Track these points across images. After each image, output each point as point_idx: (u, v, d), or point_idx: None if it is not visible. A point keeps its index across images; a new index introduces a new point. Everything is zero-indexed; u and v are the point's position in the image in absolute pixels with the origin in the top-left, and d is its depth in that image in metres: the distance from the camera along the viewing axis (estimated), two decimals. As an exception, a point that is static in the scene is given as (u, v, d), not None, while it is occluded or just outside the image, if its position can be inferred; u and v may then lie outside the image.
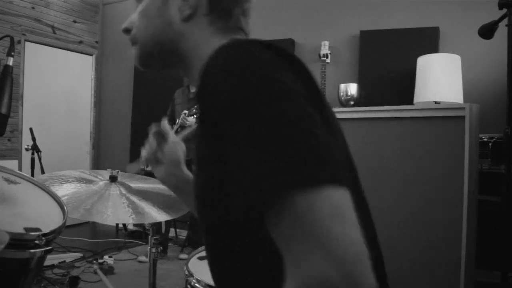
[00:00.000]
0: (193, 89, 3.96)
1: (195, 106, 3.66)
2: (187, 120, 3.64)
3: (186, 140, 4.10)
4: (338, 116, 0.69)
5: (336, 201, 0.46)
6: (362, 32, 3.66)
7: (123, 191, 1.47)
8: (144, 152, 0.97)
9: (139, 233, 4.53)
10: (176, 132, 3.86)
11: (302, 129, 0.48)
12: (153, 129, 0.97)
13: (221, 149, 0.53)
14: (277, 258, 0.49)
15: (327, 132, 0.52)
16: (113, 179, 1.52)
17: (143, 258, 3.74)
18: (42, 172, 3.26)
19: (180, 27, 0.71)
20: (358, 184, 0.65)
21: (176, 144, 0.99)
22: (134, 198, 1.45)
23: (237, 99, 0.50)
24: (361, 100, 3.38)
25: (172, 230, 4.48)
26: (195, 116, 3.67)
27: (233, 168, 0.51)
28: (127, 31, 0.78)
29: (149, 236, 1.57)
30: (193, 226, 3.89)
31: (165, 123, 0.99)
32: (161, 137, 0.98)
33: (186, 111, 3.69)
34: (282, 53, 0.57)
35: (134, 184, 1.56)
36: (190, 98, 3.96)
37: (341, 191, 0.46)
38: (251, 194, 0.48)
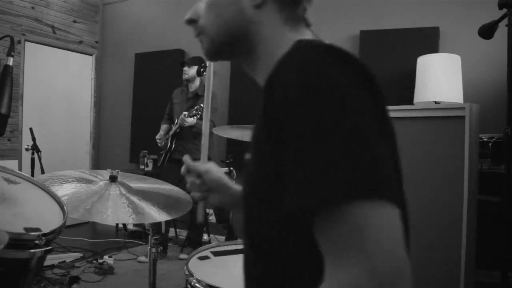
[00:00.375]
0: (192, 89, 3.93)
1: (195, 107, 3.64)
2: (186, 121, 3.62)
3: (185, 140, 4.09)
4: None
5: (390, 217, 0.48)
6: (362, 32, 3.66)
7: (123, 191, 1.47)
8: (192, 194, 1.00)
9: (139, 233, 4.53)
10: (175, 133, 3.84)
11: (368, 142, 0.50)
12: (182, 171, 1.02)
13: (281, 146, 0.54)
14: (315, 260, 0.52)
15: (386, 145, 0.53)
16: (113, 179, 1.52)
17: (143, 258, 3.74)
18: (42, 172, 3.25)
19: (252, 14, 0.70)
20: (403, 196, 0.63)
21: (213, 170, 1.00)
22: (134, 198, 1.45)
23: (309, 102, 0.51)
24: (361, 100, 3.38)
25: (172, 230, 4.48)
26: (195, 117, 3.67)
27: (293, 167, 0.51)
28: (191, 21, 0.78)
29: (149, 236, 1.57)
30: (193, 226, 3.89)
31: (187, 159, 1.03)
32: (192, 171, 1.01)
33: (185, 112, 3.66)
34: (353, 60, 0.57)
35: (134, 184, 1.56)
36: (189, 98, 3.93)
37: (395, 209, 0.48)
38: (308, 194, 0.49)
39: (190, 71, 3.89)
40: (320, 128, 0.50)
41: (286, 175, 0.53)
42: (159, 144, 3.99)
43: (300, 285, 0.58)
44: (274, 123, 0.56)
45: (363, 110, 0.52)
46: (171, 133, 3.88)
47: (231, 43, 0.73)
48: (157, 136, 3.99)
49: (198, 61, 3.94)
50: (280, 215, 0.56)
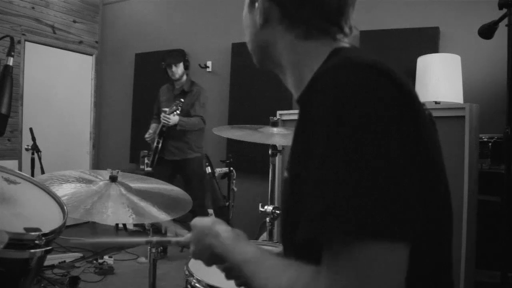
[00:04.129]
0: (178, 85, 3.81)
1: (175, 102, 3.55)
2: (169, 120, 3.50)
3: (175, 138, 4.02)
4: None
5: (394, 260, 0.48)
6: (362, 32, 3.66)
7: (123, 191, 1.47)
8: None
9: (139, 233, 4.53)
10: (161, 131, 3.67)
11: (393, 177, 0.49)
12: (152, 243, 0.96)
13: (306, 164, 0.54)
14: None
15: (418, 173, 0.52)
16: (113, 179, 1.51)
17: (142, 259, 3.72)
18: (42, 172, 3.26)
19: (262, 34, 0.73)
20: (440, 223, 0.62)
21: (199, 227, 0.85)
22: (134, 198, 1.45)
23: (341, 122, 0.51)
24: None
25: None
26: (175, 112, 3.54)
27: (311, 194, 0.51)
28: None
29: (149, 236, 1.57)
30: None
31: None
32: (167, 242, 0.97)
33: (165, 109, 3.54)
34: (394, 82, 0.55)
35: (134, 184, 1.56)
36: (175, 95, 3.80)
37: (402, 250, 0.49)
38: (317, 225, 0.50)
39: (178, 69, 3.74)
40: (346, 161, 0.49)
41: (304, 200, 0.53)
42: (148, 140, 3.86)
43: None
44: (304, 140, 0.56)
45: (396, 143, 0.50)
46: (157, 132, 3.74)
47: (261, 60, 0.78)
48: (146, 135, 3.86)
49: (181, 56, 3.79)
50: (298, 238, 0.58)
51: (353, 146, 0.49)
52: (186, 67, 3.80)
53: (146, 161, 4.73)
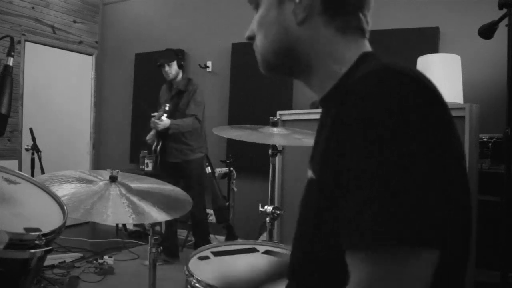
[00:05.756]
0: (175, 85, 3.70)
1: (161, 107, 3.46)
2: (158, 124, 3.44)
3: (175, 140, 3.99)
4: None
5: (423, 267, 0.49)
6: (362, 32, 3.65)
7: (123, 191, 1.47)
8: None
9: (139, 233, 4.53)
10: (160, 135, 3.59)
11: (427, 187, 0.49)
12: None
13: (339, 175, 0.54)
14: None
15: (453, 181, 0.53)
16: (113, 179, 1.52)
17: (147, 262, 3.61)
18: (42, 172, 3.26)
19: (297, 32, 0.68)
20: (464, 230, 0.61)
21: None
22: (134, 198, 1.45)
23: (379, 134, 0.50)
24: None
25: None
26: (163, 116, 3.42)
27: (352, 205, 0.51)
28: (250, 38, 0.77)
29: (149, 236, 1.57)
30: (199, 231, 3.75)
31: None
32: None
33: (154, 114, 3.47)
34: (428, 89, 0.55)
35: (134, 184, 1.56)
36: (172, 95, 3.72)
37: (432, 255, 0.49)
38: (349, 233, 0.51)
39: (172, 68, 3.64)
40: (382, 168, 0.49)
41: (344, 209, 0.53)
42: (149, 142, 3.80)
43: None
44: (339, 151, 0.55)
45: (431, 145, 0.51)
46: (154, 135, 3.68)
47: (281, 62, 0.73)
48: (147, 137, 3.79)
49: (173, 55, 3.69)
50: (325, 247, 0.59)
51: (393, 156, 0.49)
52: (179, 66, 3.70)
53: (146, 161, 4.71)
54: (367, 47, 0.71)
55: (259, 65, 0.76)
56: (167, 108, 3.49)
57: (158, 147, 3.65)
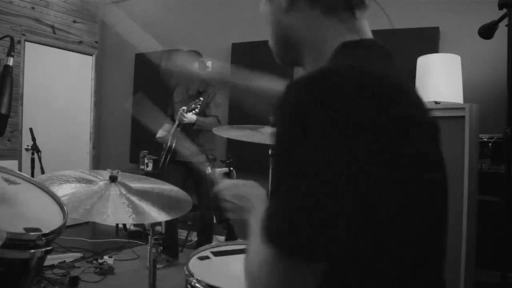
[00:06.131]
0: (194, 85, 3.69)
1: (195, 101, 3.51)
2: (185, 117, 3.45)
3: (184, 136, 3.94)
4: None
5: (305, 276, 0.52)
6: (362, 32, 3.65)
7: (123, 191, 1.47)
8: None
9: (139, 233, 4.53)
10: (175, 131, 3.73)
11: (320, 205, 0.49)
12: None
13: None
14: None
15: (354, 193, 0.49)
16: (113, 179, 1.52)
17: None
18: (42, 172, 3.26)
19: (286, 20, 0.69)
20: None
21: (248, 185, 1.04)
22: (134, 198, 1.45)
23: (288, 145, 0.52)
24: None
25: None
26: (194, 111, 3.47)
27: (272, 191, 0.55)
28: None
29: (149, 236, 1.57)
30: (204, 230, 3.73)
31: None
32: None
33: (184, 107, 3.49)
34: (372, 82, 0.53)
35: (134, 184, 1.56)
36: (190, 95, 3.74)
37: (316, 269, 0.51)
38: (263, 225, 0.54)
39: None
40: (288, 173, 0.51)
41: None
42: (160, 142, 3.79)
43: None
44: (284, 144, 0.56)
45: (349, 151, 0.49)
46: (171, 131, 3.67)
47: (285, 53, 0.74)
48: (158, 135, 3.76)
49: (196, 56, 3.70)
50: None
51: (297, 160, 0.50)
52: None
53: (146, 161, 4.72)
54: (359, 32, 0.68)
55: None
56: (199, 103, 3.45)
57: (173, 145, 3.63)
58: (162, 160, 3.77)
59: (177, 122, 3.57)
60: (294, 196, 0.50)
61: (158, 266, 3.45)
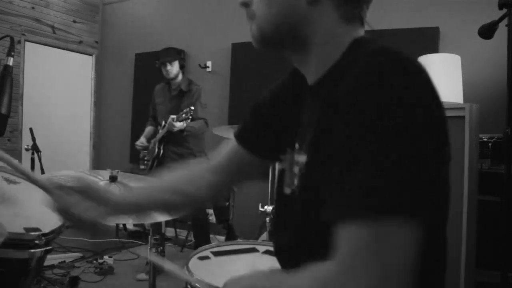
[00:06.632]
0: (174, 85, 3.62)
1: (185, 111, 3.35)
2: (175, 126, 3.32)
3: (176, 144, 3.92)
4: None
5: (408, 239, 0.51)
6: (362, 32, 3.66)
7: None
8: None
9: (139, 233, 4.53)
10: (163, 137, 3.54)
11: (421, 166, 0.51)
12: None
13: (337, 152, 0.55)
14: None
15: (442, 167, 0.58)
16: (113, 179, 1.51)
17: (143, 276, 3.32)
18: (42, 172, 3.25)
19: (305, 10, 0.67)
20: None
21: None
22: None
23: (384, 110, 0.52)
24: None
25: (171, 230, 4.48)
26: (185, 121, 3.31)
27: (343, 170, 0.53)
28: (245, 5, 0.74)
29: (149, 236, 1.57)
30: (199, 230, 3.71)
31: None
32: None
33: (173, 116, 3.36)
34: (425, 76, 0.57)
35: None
36: (172, 95, 3.64)
37: (417, 228, 0.51)
38: (343, 203, 0.53)
39: (173, 68, 3.55)
40: (380, 144, 0.51)
41: (335, 181, 0.54)
42: (138, 148, 3.75)
43: None
44: (350, 126, 0.55)
45: (431, 128, 0.54)
46: (158, 137, 3.60)
47: (280, 37, 0.70)
48: (138, 142, 3.72)
49: (176, 54, 3.65)
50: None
51: (389, 134, 0.51)
52: (181, 66, 3.64)
53: (146, 162, 4.70)
54: (360, 33, 0.73)
55: (253, 37, 0.73)
56: (191, 113, 3.34)
57: (161, 151, 3.59)
58: (149, 166, 3.70)
59: (165, 129, 3.48)
60: (401, 164, 0.51)
61: (144, 277, 3.33)
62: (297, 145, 0.74)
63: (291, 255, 0.73)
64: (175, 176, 0.98)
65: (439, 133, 0.57)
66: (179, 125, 3.34)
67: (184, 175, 0.98)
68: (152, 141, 3.71)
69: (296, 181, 0.72)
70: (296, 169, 0.73)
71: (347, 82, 0.56)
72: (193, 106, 3.44)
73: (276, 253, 0.81)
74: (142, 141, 3.75)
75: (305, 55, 0.71)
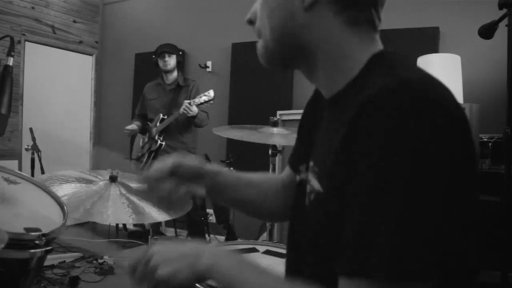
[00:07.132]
0: (169, 80, 3.64)
1: (204, 94, 3.34)
2: (191, 110, 3.30)
3: (171, 138, 3.91)
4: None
5: None
6: (362, 32, 3.65)
7: (123, 191, 1.47)
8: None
9: (139, 233, 4.53)
10: (163, 130, 3.54)
11: (439, 223, 0.48)
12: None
13: (354, 187, 0.52)
14: None
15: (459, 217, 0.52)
16: (113, 179, 1.52)
17: None
18: (42, 172, 3.26)
19: (303, 18, 0.64)
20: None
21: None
22: (134, 198, 1.45)
23: (398, 156, 0.48)
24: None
25: (172, 230, 4.48)
26: (206, 104, 3.30)
27: (358, 217, 0.50)
28: (250, 22, 0.72)
29: (149, 236, 1.57)
30: (193, 228, 3.75)
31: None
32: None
33: (189, 101, 3.34)
34: (453, 110, 0.54)
35: (134, 184, 1.56)
36: (168, 90, 3.66)
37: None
38: (361, 261, 0.49)
39: (171, 60, 3.59)
40: (394, 191, 0.48)
41: (348, 227, 0.52)
42: (126, 132, 3.73)
43: None
44: (357, 160, 0.52)
45: (447, 177, 0.50)
46: (159, 128, 3.57)
47: (282, 50, 0.68)
48: (128, 127, 3.69)
49: (176, 50, 3.68)
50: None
51: (408, 183, 0.48)
52: (178, 62, 3.68)
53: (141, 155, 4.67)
54: (379, 44, 0.67)
55: (259, 55, 0.72)
56: (208, 99, 3.35)
57: (162, 146, 3.57)
58: (144, 160, 3.67)
59: (175, 116, 3.46)
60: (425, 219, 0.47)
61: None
62: (311, 163, 0.69)
63: (299, 259, 0.71)
64: (266, 180, 0.96)
65: (471, 184, 0.53)
66: (194, 109, 3.33)
67: (268, 181, 0.96)
68: (147, 134, 3.70)
69: (307, 201, 0.68)
70: (308, 188, 0.68)
71: (366, 121, 0.52)
72: (196, 97, 3.42)
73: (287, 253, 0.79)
74: (132, 126, 3.73)
75: (312, 66, 0.68)
